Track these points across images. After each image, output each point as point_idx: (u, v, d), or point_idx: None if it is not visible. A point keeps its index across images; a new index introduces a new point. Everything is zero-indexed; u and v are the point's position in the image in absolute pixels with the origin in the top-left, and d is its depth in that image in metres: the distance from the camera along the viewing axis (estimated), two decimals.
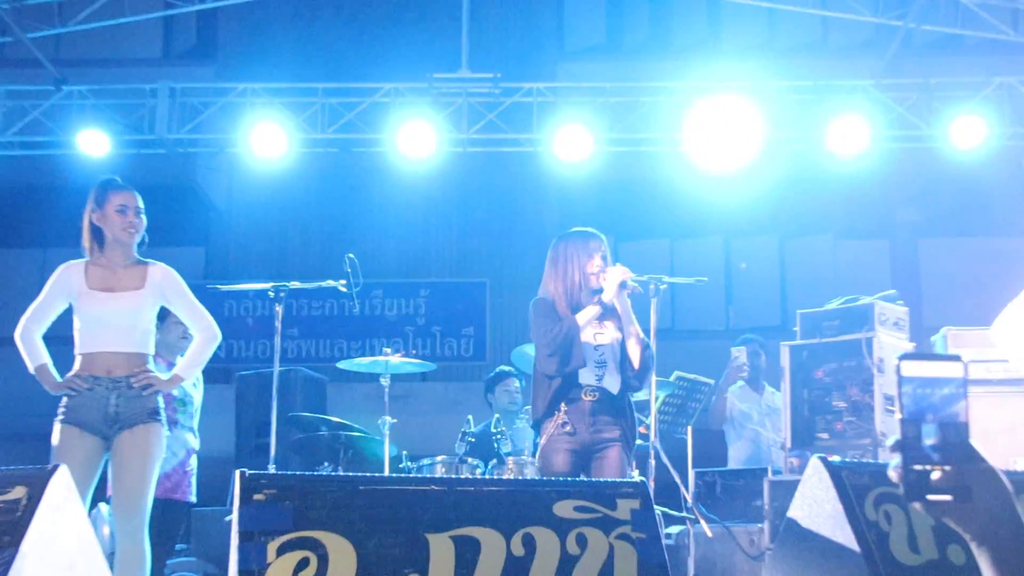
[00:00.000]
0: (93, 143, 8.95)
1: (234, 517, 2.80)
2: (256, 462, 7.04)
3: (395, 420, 6.46)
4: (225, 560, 2.89)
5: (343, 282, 6.10)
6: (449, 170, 9.82)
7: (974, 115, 8.69)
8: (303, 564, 2.74)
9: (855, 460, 5.80)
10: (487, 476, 6.16)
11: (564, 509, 2.96)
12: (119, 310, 4.75)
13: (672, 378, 7.17)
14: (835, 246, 13.13)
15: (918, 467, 1.41)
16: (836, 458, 5.94)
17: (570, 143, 8.84)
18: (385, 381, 6.63)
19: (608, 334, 5.01)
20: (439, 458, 6.28)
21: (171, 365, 5.55)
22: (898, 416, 1.44)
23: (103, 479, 4.70)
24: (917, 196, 12.47)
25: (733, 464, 7.41)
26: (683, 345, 10.59)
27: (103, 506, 5.87)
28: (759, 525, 6.02)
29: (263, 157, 9.04)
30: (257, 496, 2.82)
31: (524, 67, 11.11)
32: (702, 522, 5.89)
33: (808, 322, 6.40)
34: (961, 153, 8.85)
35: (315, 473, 6.45)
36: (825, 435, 6.15)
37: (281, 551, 2.75)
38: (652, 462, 5.62)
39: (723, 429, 7.61)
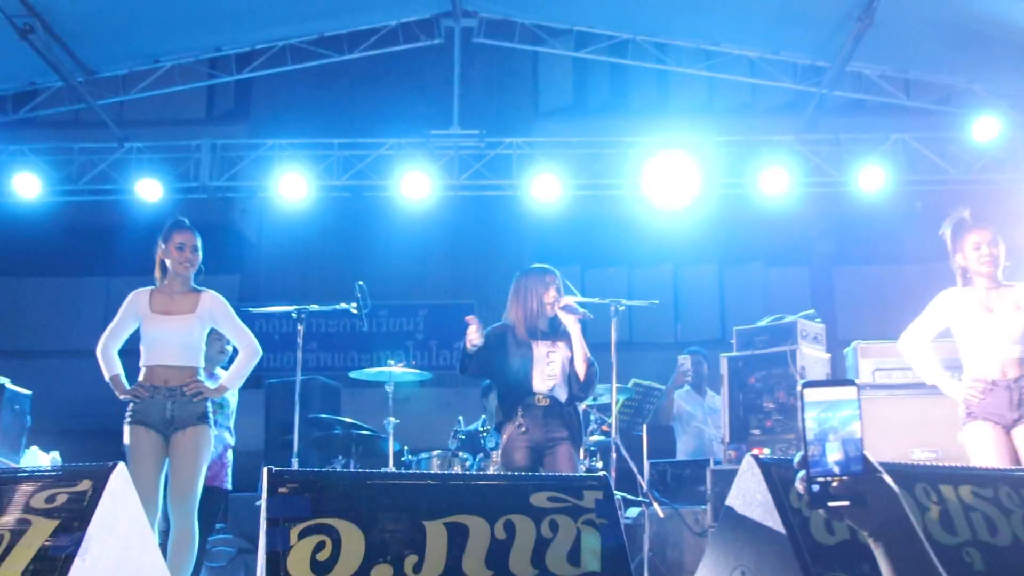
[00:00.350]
0: (149, 190, 8.92)
1: (262, 506, 2.78)
2: (282, 456, 7.00)
3: (398, 420, 6.44)
4: (256, 537, 2.88)
5: (354, 305, 6.07)
6: (442, 210, 9.79)
7: (876, 165, 8.74)
8: (320, 546, 2.73)
9: (782, 455, 5.82)
10: (475, 467, 6.15)
11: (539, 499, 2.95)
12: (174, 330, 4.75)
13: (630, 384, 7.17)
14: (764, 272, 13.18)
15: (820, 479, 1.42)
16: (767, 452, 6.00)
17: (544, 188, 8.84)
18: (389, 388, 6.62)
19: (560, 353, 4.96)
20: (435, 452, 6.28)
21: (210, 375, 5.50)
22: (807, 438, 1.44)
23: None
24: (831, 230, 12.56)
25: (681, 456, 7.40)
26: (639, 356, 10.60)
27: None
28: (703, 507, 6.02)
29: (288, 200, 9.01)
30: (282, 489, 2.81)
31: (505, 124, 11.09)
32: (655, 505, 5.89)
33: (743, 337, 6.41)
34: (867, 195, 8.90)
35: (330, 468, 6.45)
36: (757, 431, 6.16)
37: (302, 535, 2.74)
38: (613, 455, 5.63)
39: (672, 426, 7.60)
